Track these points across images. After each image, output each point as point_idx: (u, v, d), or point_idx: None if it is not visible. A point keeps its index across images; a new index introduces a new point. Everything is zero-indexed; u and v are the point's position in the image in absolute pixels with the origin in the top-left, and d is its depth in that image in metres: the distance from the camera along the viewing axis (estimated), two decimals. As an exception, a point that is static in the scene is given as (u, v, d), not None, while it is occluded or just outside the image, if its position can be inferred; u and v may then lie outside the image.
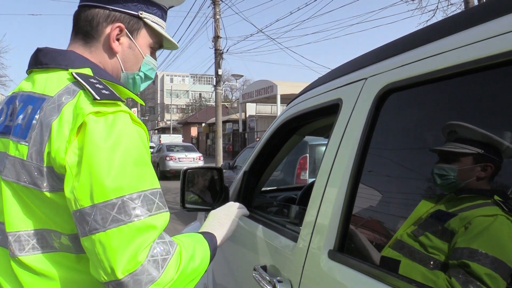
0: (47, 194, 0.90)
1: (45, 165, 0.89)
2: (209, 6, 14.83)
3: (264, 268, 1.38)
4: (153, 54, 1.16)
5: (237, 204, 1.33)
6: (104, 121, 0.88)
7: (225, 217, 1.22)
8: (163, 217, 0.90)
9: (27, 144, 0.91)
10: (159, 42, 1.16)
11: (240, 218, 1.81)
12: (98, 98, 0.88)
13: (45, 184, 0.89)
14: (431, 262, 0.82)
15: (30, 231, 0.93)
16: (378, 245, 1.01)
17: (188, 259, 0.92)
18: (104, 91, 0.91)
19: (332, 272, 1.03)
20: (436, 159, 0.88)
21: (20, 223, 0.93)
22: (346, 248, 1.04)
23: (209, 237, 1.07)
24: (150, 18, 1.10)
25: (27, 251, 0.92)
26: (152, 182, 0.91)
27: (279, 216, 2.02)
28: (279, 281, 1.21)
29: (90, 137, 0.85)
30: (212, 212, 1.24)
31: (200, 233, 1.09)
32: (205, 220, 1.23)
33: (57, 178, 0.89)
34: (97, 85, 0.93)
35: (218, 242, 1.11)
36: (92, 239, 0.83)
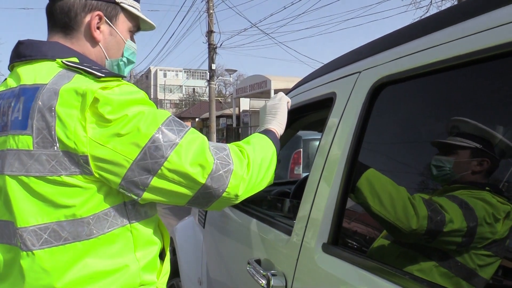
0: (65, 178, 0.89)
1: (60, 149, 0.88)
2: (202, 1, 14.75)
3: (258, 261, 1.38)
4: (132, 37, 1.17)
5: (280, 93, 1.41)
6: (112, 92, 0.90)
7: (273, 108, 1.32)
8: (195, 129, 0.99)
9: (29, 134, 0.90)
10: (137, 25, 1.17)
11: (233, 212, 1.81)
12: (103, 75, 0.90)
13: (62, 169, 0.88)
14: (424, 251, 0.83)
15: (41, 225, 0.91)
16: (371, 238, 1.01)
17: (251, 150, 1.05)
18: (103, 70, 0.93)
19: (326, 265, 1.03)
20: (431, 152, 0.88)
21: (31, 218, 0.91)
22: (339, 241, 1.04)
23: (265, 132, 1.20)
24: (126, 2, 1.11)
25: (40, 244, 0.91)
26: (167, 113, 0.98)
27: (273, 210, 2.03)
28: (273, 275, 1.21)
29: (108, 107, 0.87)
30: (262, 107, 1.36)
31: (262, 133, 1.21)
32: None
33: (74, 161, 0.88)
34: (94, 67, 0.94)
35: (279, 132, 1.25)
36: (161, 174, 0.91)
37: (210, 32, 14.42)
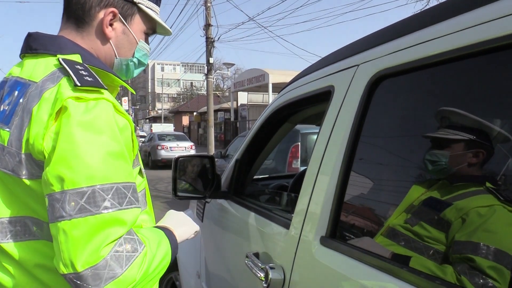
0: (26, 181, 0.88)
1: (23, 152, 0.87)
2: (200, -6, 14.65)
3: (257, 255, 1.39)
4: (146, 39, 1.14)
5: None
6: (84, 107, 0.86)
7: (185, 219, 1.16)
8: (134, 213, 0.87)
9: (8, 130, 0.90)
10: (152, 28, 1.14)
11: (232, 206, 1.82)
12: (79, 84, 0.86)
13: (24, 172, 0.88)
14: (427, 251, 0.82)
15: (12, 218, 0.92)
16: (370, 231, 1.01)
17: (151, 259, 0.89)
18: (87, 78, 0.89)
19: (324, 258, 1.03)
20: (428, 145, 0.88)
21: (2, 210, 0.92)
22: (338, 234, 1.05)
23: (170, 235, 1.02)
24: (144, 4, 1.08)
25: (8, 238, 0.91)
26: (127, 175, 0.88)
27: (271, 203, 2.03)
28: (271, 268, 1.21)
29: (68, 122, 0.83)
30: (172, 211, 1.18)
31: (162, 229, 1.03)
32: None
33: (36, 165, 0.87)
34: (81, 72, 0.90)
35: (178, 241, 1.06)
36: (58, 226, 0.81)
37: (207, 26, 14.34)
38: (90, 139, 0.83)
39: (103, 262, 0.79)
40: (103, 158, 0.84)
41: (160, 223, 1.10)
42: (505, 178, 0.76)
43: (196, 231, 1.19)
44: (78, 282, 0.79)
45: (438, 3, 1.03)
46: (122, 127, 0.91)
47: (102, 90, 0.90)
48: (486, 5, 0.76)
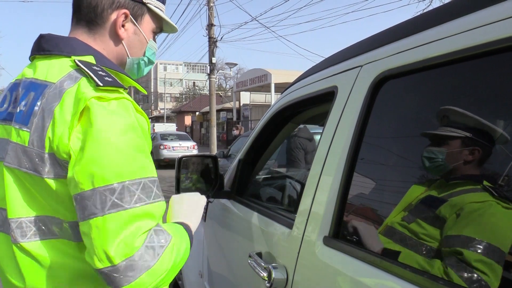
0: (48, 181, 0.89)
1: (46, 151, 0.88)
2: (202, -7, 14.66)
3: (259, 255, 1.39)
4: (154, 38, 1.17)
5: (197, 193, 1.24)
6: (107, 106, 0.88)
7: (191, 201, 1.17)
8: (161, 206, 0.90)
9: (28, 130, 0.91)
10: (160, 26, 1.17)
11: (234, 205, 1.82)
12: (101, 84, 0.88)
13: (46, 171, 0.89)
14: (423, 249, 0.83)
15: (31, 218, 0.93)
16: (372, 231, 1.02)
17: (178, 250, 0.92)
18: (107, 78, 0.91)
19: (327, 258, 1.04)
20: (427, 144, 0.89)
21: (22, 210, 0.93)
22: (341, 234, 1.05)
23: (187, 227, 1.05)
24: (153, 3, 1.11)
25: (28, 237, 0.92)
26: (151, 170, 0.91)
27: (274, 203, 2.04)
28: (274, 267, 1.22)
29: (93, 122, 0.85)
30: (174, 197, 1.17)
31: (179, 223, 1.05)
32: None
33: (58, 165, 0.89)
34: (100, 72, 0.92)
35: (193, 230, 1.08)
36: (89, 223, 0.83)
37: (210, 26, 14.36)
38: (115, 137, 0.86)
39: (138, 253, 0.82)
40: (130, 155, 0.87)
41: (172, 217, 1.11)
42: (501, 176, 0.76)
43: (205, 200, 1.21)
44: (115, 274, 0.82)
45: (442, 4, 1.03)
46: (142, 125, 0.94)
47: (121, 90, 0.93)
48: (490, 6, 0.77)
